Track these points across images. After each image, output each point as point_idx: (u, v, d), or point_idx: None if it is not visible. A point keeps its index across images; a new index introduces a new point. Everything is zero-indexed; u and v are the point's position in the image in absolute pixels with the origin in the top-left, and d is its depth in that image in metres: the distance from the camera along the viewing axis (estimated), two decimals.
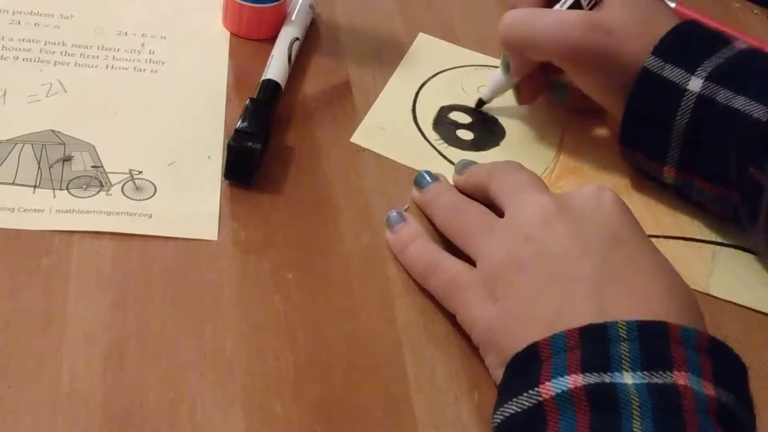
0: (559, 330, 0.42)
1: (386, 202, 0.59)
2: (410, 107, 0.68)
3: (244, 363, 0.49)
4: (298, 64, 0.68)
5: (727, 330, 0.55)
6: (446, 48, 0.74)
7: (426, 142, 0.65)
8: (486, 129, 0.67)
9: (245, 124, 0.58)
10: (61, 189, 0.56)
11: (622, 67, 0.59)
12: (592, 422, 0.38)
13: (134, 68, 0.66)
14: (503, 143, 0.66)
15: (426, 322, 0.53)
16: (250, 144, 0.57)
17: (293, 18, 0.70)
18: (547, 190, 0.53)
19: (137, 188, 0.57)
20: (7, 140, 0.58)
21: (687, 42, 0.59)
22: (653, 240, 0.49)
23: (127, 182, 0.57)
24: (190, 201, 0.57)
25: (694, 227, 0.62)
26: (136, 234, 0.54)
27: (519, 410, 0.41)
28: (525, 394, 0.41)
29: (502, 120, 0.68)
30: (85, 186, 0.56)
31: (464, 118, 0.68)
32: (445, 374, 0.50)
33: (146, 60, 0.66)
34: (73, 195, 0.56)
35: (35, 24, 0.68)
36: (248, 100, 0.61)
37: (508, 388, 0.43)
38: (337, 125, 0.65)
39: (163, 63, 0.66)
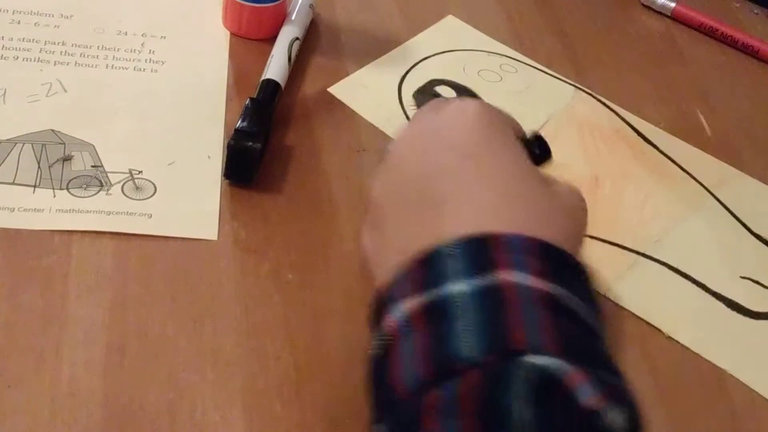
0: (405, 258, 0.42)
1: None
2: (402, 74, 0.69)
3: (244, 363, 0.49)
4: (298, 64, 0.68)
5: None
6: (467, 31, 0.75)
7: (399, 106, 0.66)
8: None
9: (245, 123, 0.58)
10: (61, 189, 0.56)
11: None
12: (427, 334, 0.38)
13: (134, 68, 0.66)
14: None
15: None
16: (250, 144, 0.57)
17: (293, 18, 0.70)
18: (439, 109, 0.50)
19: (137, 188, 0.57)
20: (7, 140, 0.58)
21: None
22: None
23: (127, 182, 0.57)
24: (190, 201, 0.57)
25: (630, 237, 0.61)
26: (136, 234, 0.54)
27: (373, 353, 0.41)
28: (378, 335, 0.41)
29: (488, 101, 0.68)
30: (85, 186, 0.56)
31: (449, 93, 0.68)
32: None
33: (146, 60, 0.66)
34: (73, 195, 0.56)
35: (35, 24, 0.68)
36: (248, 99, 0.61)
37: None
38: (337, 125, 0.64)
39: (163, 63, 0.66)
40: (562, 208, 0.45)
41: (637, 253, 0.59)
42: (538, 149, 0.50)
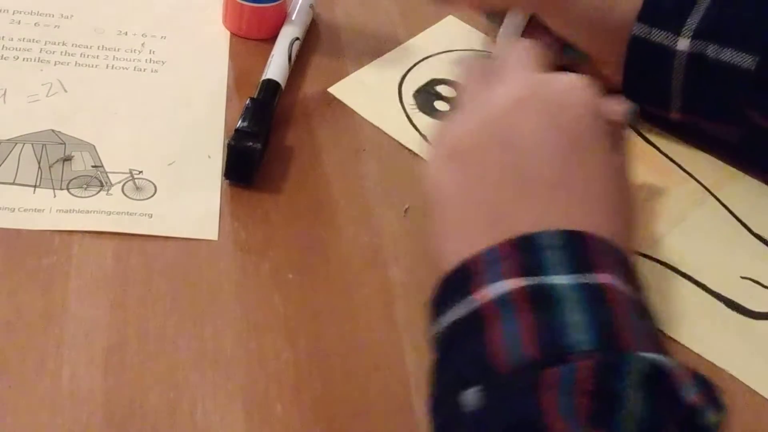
0: (497, 233, 0.44)
1: (386, 202, 0.59)
2: (403, 73, 0.69)
3: (244, 363, 0.49)
4: (298, 64, 0.68)
5: None
6: (467, 31, 0.75)
7: (399, 105, 0.66)
8: None
9: (245, 123, 0.58)
10: (61, 189, 0.56)
11: (592, 14, 0.63)
12: (534, 317, 0.40)
13: (134, 68, 0.66)
14: None
15: (426, 322, 0.53)
16: (250, 144, 0.57)
17: (293, 18, 0.70)
18: (535, 69, 0.52)
19: (137, 188, 0.57)
20: (8, 140, 0.58)
21: (667, 2, 0.62)
22: None
23: (127, 182, 0.57)
24: (190, 201, 0.57)
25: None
26: (136, 234, 0.54)
27: (457, 318, 0.42)
28: (462, 302, 0.42)
29: None
30: (85, 186, 0.56)
31: (450, 92, 0.68)
32: None
33: (146, 60, 0.66)
34: (73, 195, 0.56)
35: (35, 24, 0.68)
36: (248, 99, 0.61)
37: (442, 302, 0.44)
38: (337, 125, 0.64)
39: (163, 63, 0.66)
40: (636, 211, 0.49)
41: (637, 253, 0.59)
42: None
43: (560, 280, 0.41)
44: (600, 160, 0.48)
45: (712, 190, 0.63)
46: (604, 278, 0.42)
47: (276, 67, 0.65)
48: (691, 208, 0.62)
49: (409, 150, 0.63)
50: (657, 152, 0.66)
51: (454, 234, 0.47)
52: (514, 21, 0.67)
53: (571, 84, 0.49)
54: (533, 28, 0.67)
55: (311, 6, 0.72)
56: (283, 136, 0.62)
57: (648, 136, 0.68)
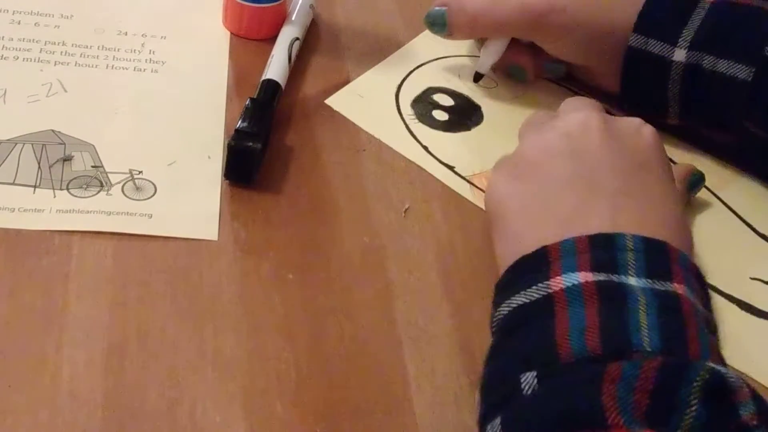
0: (570, 231, 0.46)
1: (386, 202, 0.59)
2: (398, 83, 0.69)
3: (244, 363, 0.49)
4: (298, 64, 0.68)
5: None
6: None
7: (398, 115, 0.66)
8: (464, 114, 0.68)
9: (245, 124, 0.58)
10: (61, 189, 0.56)
11: (588, 33, 0.64)
12: (600, 312, 0.41)
13: (134, 68, 0.66)
14: (475, 129, 0.67)
15: (426, 322, 0.53)
16: (250, 144, 0.57)
17: (293, 18, 0.70)
18: (599, 109, 0.56)
19: (137, 188, 0.57)
20: (7, 140, 0.58)
21: (662, 13, 0.63)
22: None
23: (127, 182, 0.57)
24: (190, 201, 0.57)
25: None
26: (136, 234, 0.54)
27: (527, 301, 0.43)
28: (534, 287, 0.43)
29: (485, 108, 0.68)
30: (85, 186, 0.56)
31: (447, 101, 0.68)
32: (445, 374, 0.50)
33: (146, 60, 0.66)
34: (73, 195, 0.56)
35: (35, 24, 0.68)
36: (248, 100, 0.61)
37: (512, 285, 0.45)
38: (338, 125, 0.65)
39: (163, 63, 0.66)
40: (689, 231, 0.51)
41: None
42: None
43: (634, 281, 0.42)
44: (664, 184, 0.51)
45: (715, 191, 0.63)
46: (679, 288, 0.43)
47: (276, 68, 0.65)
48: (695, 212, 0.62)
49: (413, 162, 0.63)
50: None
51: (520, 235, 0.49)
52: (496, 42, 0.68)
53: (637, 120, 0.54)
54: (514, 46, 0.68)
55: (311, 6, 0.72)
56: (283, 136, 0.62)
57: None
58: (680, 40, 0.62)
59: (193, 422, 0.46)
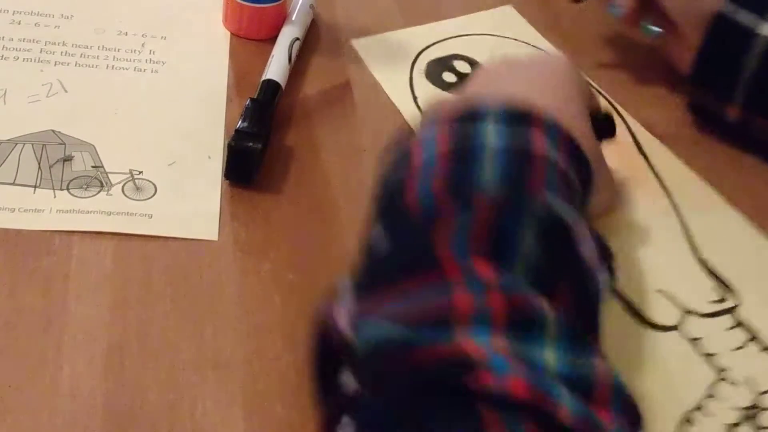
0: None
1: None
2: (429, 43, 0.71)
3: (244, 363, 0.49)
4: (298, 64, 0.68)
5: None
6: (518, 23, 0.77)
7: (409, 68, 0.69)
8: None
9: (245, 124, 0.58)
10: (61, 189, 0.56)
11: None
12: (452, 166, 0.42)
13: (134, 68, 0.66)
14: None
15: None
16: (250, 144, 0.57)
17: (293, 18, 0.70)
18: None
19: (137, 188, 0.57)
20: (8, 140, 0.58)
21: None
22: None
23: (127, 182, 0.57)
24: (190, 201, 0.57)
25: None
26: (136, 234, 0.54)
27: (396, 157, 0.46)
28: (402, 146, 0.46)
29: None
30: (85, 186, 0.56)
31: (464, 68, 0.70)
32: None
33: (146, 60, 0.66)
34: (73, 195, 0.56)
35: (35, 24, 0.68)
36: (248, 100, 0.61)
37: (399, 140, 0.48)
38: (337, 125, 0.65)
39: (163, 63, 0.67)
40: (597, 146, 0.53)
41: None
42: (604, 124, 0.58)
43: (491, 127, 0.44)
44: (565, 85, 0.53)
45: (683, 210, 0.62)
46: (536, 137, 0.44)
47: (276, 68, 0.65)
48: (652, 227, 0.61)
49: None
50: (645, 164, 0.65)
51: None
52: None
53: (558, 56, 0.58)
54: None
55: (311, 6, 0.72)
56: (283, 136, 0.62)
57: (644, 145, 0.66)
58: None
59: (193, 422, 0.46)
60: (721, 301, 0.56)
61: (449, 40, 0.73)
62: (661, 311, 0.55)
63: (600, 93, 0.71)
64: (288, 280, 0.54)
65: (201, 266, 0.53)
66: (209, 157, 0.60)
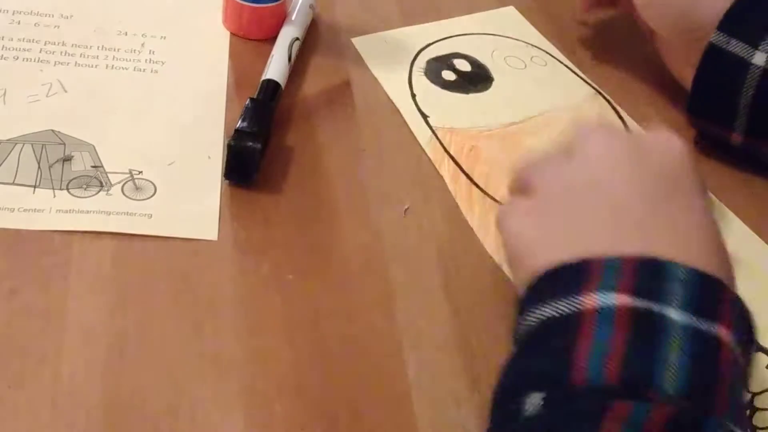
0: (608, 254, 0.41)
1: (386, 202, 0.59)
2: (429, 42, 0.71)
3: (244, 363, 0.49)
4: (298, 64, 0.68)
5: None
6: (519, 23, 0.76)
7: (409, 66, 0.69)
8: (472, 80, 0.69)
9: (245, 123, 0.58)
10: (61, 189, 0.56)
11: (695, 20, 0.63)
12: (628, 340, 0.37)
13: (134, 68, 0.66)
14: (473, 95, 0.68)
15: (426, 322, 0.53)
16: (250, 144, 0.57)
17: (293, 18, 0.70)
18: (619, 131, 0.52)
19: (137, 188, 0.57)
20: (7, 140, 0.58)
21: (750, 15, 0.61)
22: None
23: (127, 182, 0.57)
24: (190, 201, 0.57)
25: None
26: (136, 234, 0.54)
27: (553, 314, 0.40)
28: (564, 300, 0.39)
29: (497, 82, 0.69)
30: (85, 186, 0.56)
31: (464, 66, 0.70)
32: (445, 374, 0.50)
33: (146, 60, 0.66)
34: (73, 195, 0.56)
35: (35, 24, 0.68)
36: (248, 100, 0.61)
37: (542, 293, 0.41)
38: (337, 125, 0.65)
39: (163, 63, 0.66)
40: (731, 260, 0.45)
41: None
42: None
43: (675, 315, 0.38)
44: (700, 208, 0.45)
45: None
46: (723, 333, 0.38)
47: (276, 67, 0.65)
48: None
49: (403, 120, 0.65)
50: None
51: (542, 257, 0.43)
52: None
53: (665, 133, 0.48)
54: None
55: (311, 6, 0.72)
56: (283, 136, 0.62)
57: None
58: (763, 43, 0.60)
59: (193, 422, 0.46)
60: None
61: (449, 39, 0.73)
62: None
63: (600, 93, 0.71)
64: (288, 280, 0.54)
65: (201, 266, 0.53)
66: (209, 157, 0.60)
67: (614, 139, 0.48)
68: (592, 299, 0.39)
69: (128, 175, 0.58)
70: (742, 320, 0.41)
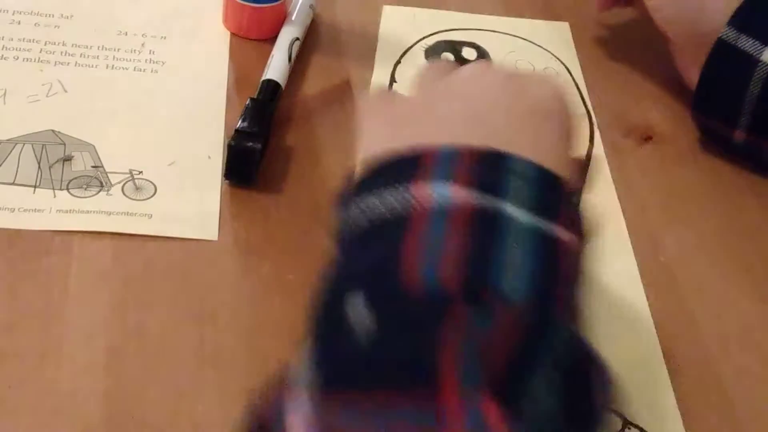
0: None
1: None
2: (452, 27, 0.72)
3: (244, 363, 0.49)
4: (298, 64, 0.68)
5: None
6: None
7: (414, 41, 0.70)
8: None
9: (245, 124, 0.58)
10: (61, 189, 0.56)
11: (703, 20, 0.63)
12: (466, 240, 0.34)
13: (134, 68, 0.66)
14: None
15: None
16: (250, 144, 0.57)
17: (293, 18, 0.70)
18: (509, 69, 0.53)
19: (137, 188, 0.57)
20: (8, 140, 0.58)
21: (762, 12, 0.61)
22: None
23: (127, 182, 0.57)
24: (190, 201, 0.57)
25: None
26: (136, 234, 0.54)
27: (379, 207, 0.36)
28: (392, 189, 0.36)
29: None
30: (85, 186, 0.56)
31: (470, 54, 0.70)
32: None
33: (146, 60, 0.66)
34: (73, 195, 0.56)
35: (35, 24, 0.68)
36: (248, 100, 0.61)
37: (367, 184, 0.38)
38: (337, 125, 0.64)
39: (163, 63, 0.66)
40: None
41: None
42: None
43: (519, 214, 0.35)
44: (563, 137, 0.43)
45: None
46: (561, 233, 0.36)
47: (276, 67, 0.65)
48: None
49: None
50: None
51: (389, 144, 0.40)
52: None
53: (545, 76, 0.50)
54: None
55: (311, 6, 0.72)
56: (283, 136, 0.62)
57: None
58: None
59: (193, 422, 0.46)
60: None
61: (474, 31, 0.73)
62: None
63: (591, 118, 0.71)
64: (288, 280, 0.53)
65: (201, 266, 0.53)
66: (209, 157, 0.60)
67: (496, 71, 0.47)
68: (425, 190, 0.35)
69: (128, 175, 0.58)
70: (578, 218, 0.39)
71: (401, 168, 0.37)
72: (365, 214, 0.36)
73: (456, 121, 0.42)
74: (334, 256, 0.37)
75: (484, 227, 0.35)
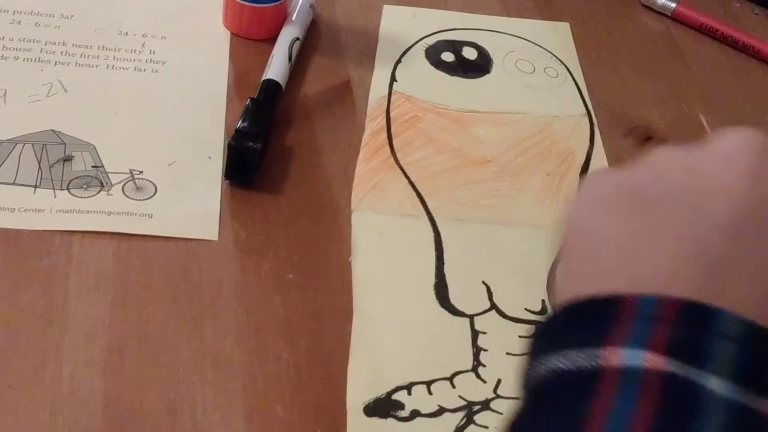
0: (652, 287, 0.33)
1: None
2: (451, 26, 0.72)
3: (244, 363, 0.49)
4: (298, 64, 0.68)
5: None
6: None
7: (415, 40, 0.70)
8: (470, 67, 0.70)
9: (245, 124, 0.58)
10: (61, 189, 0.56)
11: None
12: (656, 416, 0.31)
13: (134, 68, 0.66)
14: (458, 78, 0.69)
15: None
16: (250, 144, 0.58)
17: (293, 18, 0.70)
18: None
19: (137, 188, 0.57)
20: (8, 140, 0.58)
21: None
22: None
23: (127, 182, 0.57)
24: (190, 201, 0.57)
25: None
26: (136, 234, 0.54)
27: (568, 367, 0.33)
28: (582, 351, 0.33)
29: (492, 76, 0.69)
30: (85, 186, 0.56)
31: (471, 54, 0.70)
32: None
33: (146, 60, 0.66)
34: (73, 195, 0.56)
35: (35, 24, 0.68)
36: (248, 100, 0.61)
37: (558, 334, 0.35)
38: (337, 125, 0.65)
39: (163, 63, 0.66)
40: None
41: None
42: None
43: (715, 384, 0.31)
44: None
45: None
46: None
47: (276, 67, 0.65)
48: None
49: None
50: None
51: (598, 274, 0.35)
52: None
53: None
54: None
55: (311, 6, 0.72)
56: (283, 137, 0.62)
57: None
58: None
59: (193, 422, 0.46)
60: None
61: (475, 30, 0.73)
62: None
63: (590, 116, 0.71)
64: (288, 280, 0.54)
65: (201, 266, 0.53)
66: (209, 157, 0.60)
67: (756, 134, 0.37)
68: (616, 355, 0.32)
69: (129, 175, 0.58)
70: None
71: (594, 321, 0.33)
72: (551, 375, 0.33)
73: (679, 234, 0.35)
74: (519, 411, 0.34)
75: (677, 402, 0.31)
